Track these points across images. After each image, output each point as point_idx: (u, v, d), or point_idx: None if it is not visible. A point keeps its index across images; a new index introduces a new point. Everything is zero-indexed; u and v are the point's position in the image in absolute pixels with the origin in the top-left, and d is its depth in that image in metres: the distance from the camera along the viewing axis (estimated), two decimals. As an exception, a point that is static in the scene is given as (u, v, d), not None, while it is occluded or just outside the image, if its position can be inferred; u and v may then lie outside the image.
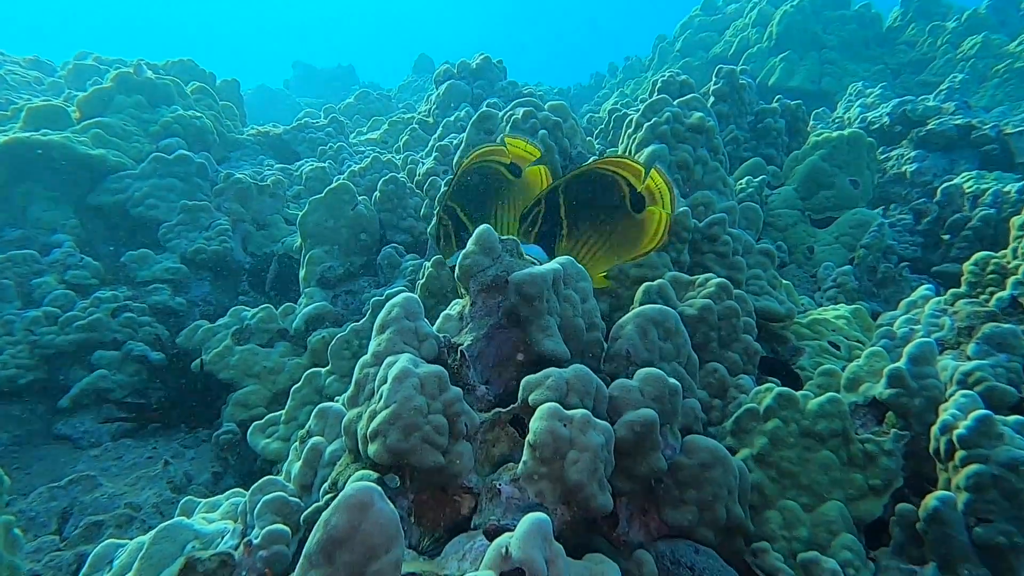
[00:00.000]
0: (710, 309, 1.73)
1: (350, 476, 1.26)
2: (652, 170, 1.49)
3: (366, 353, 2.33)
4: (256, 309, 2.97)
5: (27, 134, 3.50)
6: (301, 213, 3.20)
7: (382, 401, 1.19)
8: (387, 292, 2.92)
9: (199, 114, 4.35)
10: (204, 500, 1.79)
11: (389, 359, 1.27)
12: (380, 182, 3.39)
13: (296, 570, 0.90)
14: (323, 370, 2.36)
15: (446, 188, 1.70)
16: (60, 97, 5.11)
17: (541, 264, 1.40)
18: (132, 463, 2.50)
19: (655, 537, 1.24)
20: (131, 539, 2.07)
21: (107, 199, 3.62)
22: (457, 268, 1.47)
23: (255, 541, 1.30)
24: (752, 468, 1.35)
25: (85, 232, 3.56)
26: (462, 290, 1.49)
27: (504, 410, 1.28)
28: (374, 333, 1.35)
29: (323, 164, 4.58)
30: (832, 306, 2.58)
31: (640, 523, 1.26)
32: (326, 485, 1.30)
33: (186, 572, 1.28)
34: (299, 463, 1.51)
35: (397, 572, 0.90)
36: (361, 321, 2.40)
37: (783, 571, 1.14)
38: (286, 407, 2.34)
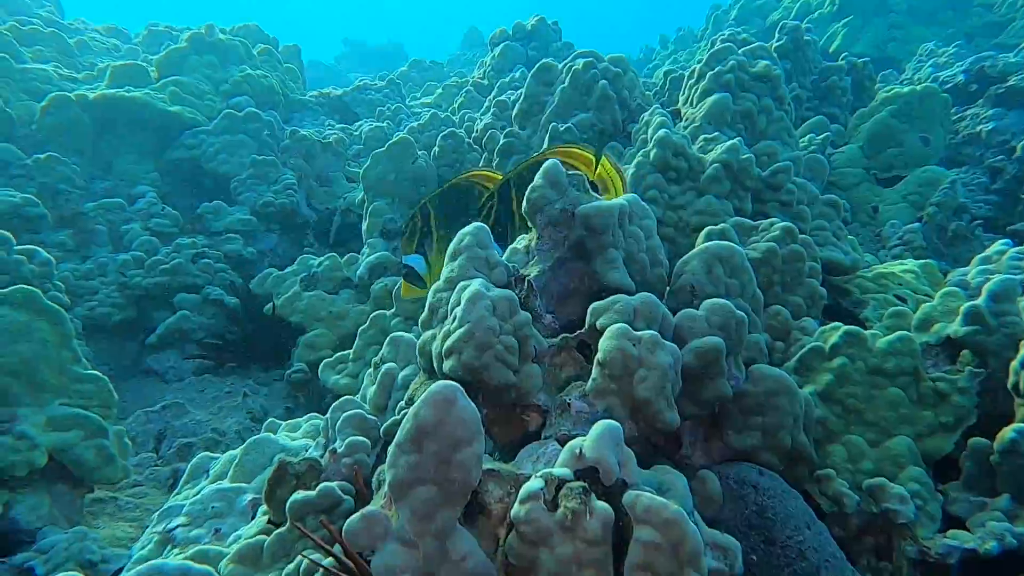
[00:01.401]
0: (774, 252, 1.70)
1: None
2: (603, 157, 1.51)
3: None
4: (322, 258, 3.08)
5: (113, 91, 3.67)
6: (364, 167, 3.27)
7: (456, 321, 1.23)
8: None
9: (266, 74, 4.47)
10: (285, 422, 1.91)
11: (462, 283, 1.31)
12: (439, 137, 3.42)
13: (387, 459, 0.96)
14: (388, 312, 2.44)
15: (434, 191, 1.76)
16: (137, 60, 5.33)
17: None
18: (213, 396, 2.67)
19: (717, 462, 1.26)
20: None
21: (183, 154, 3.78)
22: (525, 202, 1.49)
23: (339, 449, 1.39)
24: (816, 405, 1.35)
25: (164, 185, 3.74)
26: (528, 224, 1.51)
27: (571, 335, 1.31)
28: (447, 260, 1.39)
29: (381, 124, 4.64)
30: (899, 261, 2.48)
31: (702, 448, 1.27)
32: (402, 403, 1.37)
33: (279, 473, 1.38)
34: (374, 387, 1.58)
35: (479, 464, 0.95)
36: (423, 267, 2.45)
37: (848, 496, 1.15)
38: (354, 346, 2.44)
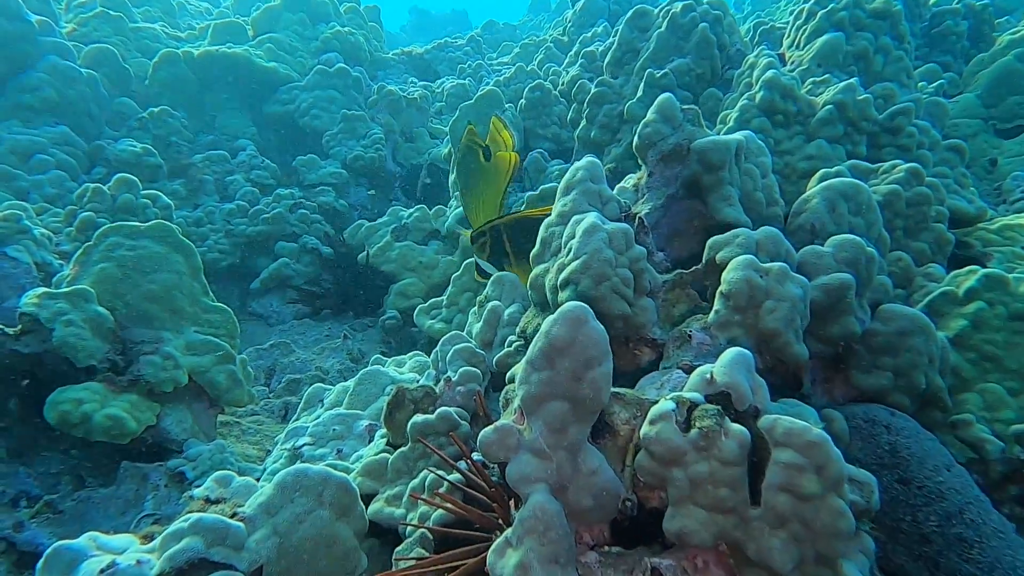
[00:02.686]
0: (898, 194, 1.59)
1: (538, 325, 1.34)
2: (492, 121, 1.75)
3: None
4: (412, 209, 3.15)
5: (215, 47, 3.84)
6: (452, 120, 3.29)
7: (572, 253, 1.24)
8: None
9: (353, 31, 4.53)
10: (390, 359, 2.00)
11: (576, 217, 1.31)
12: (526, 90, 3.38)
13: (519, 376, 0.99)
14: (478, 261, 2.48)
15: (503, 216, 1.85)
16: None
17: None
18: (314, 338, 2.82)
19: (839, 403, 1.22)
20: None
21: (278, 108, 3.92)
22: (636, 138, 1.46)
23: (454, 378, 1.44)
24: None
25: (261, 139, 3.90)
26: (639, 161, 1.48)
27: (686, 271, 1.29)
28: (559, 195, 1.39)
29: (463, 81, 4.63)
30: (1026, 214, 2.28)
31: (823, 388, 1.23)
32: (512, 336, 1.40)
33: (398, 398, 1.45)
34: (480, 324, 1.63)
35: (608, 383, 0.96)
36: (514, 216, 2.46)
37: (990, 442, 1.09)
38: (447, 293, 2.50)
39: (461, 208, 1.78)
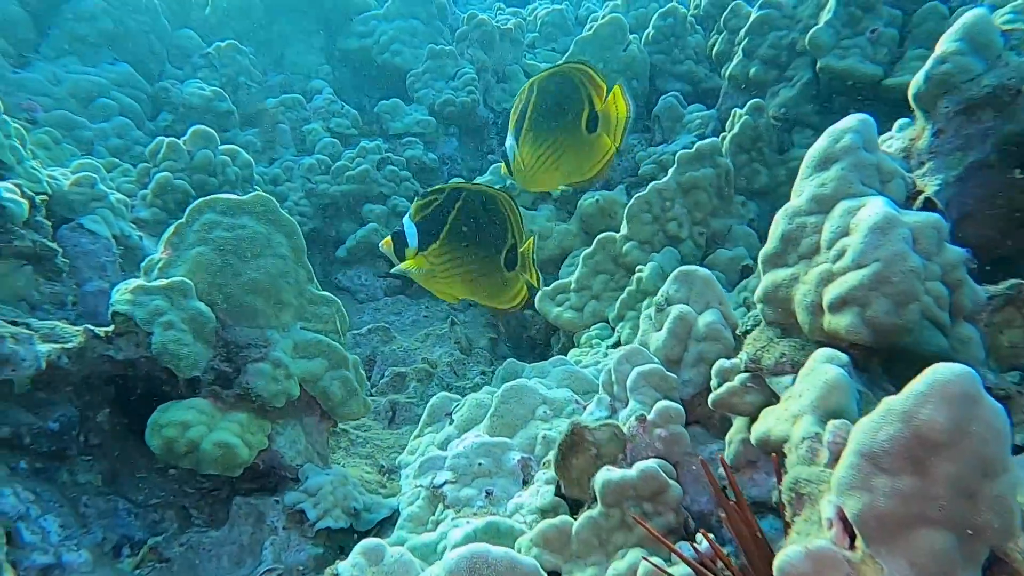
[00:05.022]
0: None
1: (783, 354, 1.08)
2: (617, 88, 1.45)
3: (665, 219, 2.08)
4: (520, 166, 2.87)
5: (281, -28, 3.58)
6: (566, 56, 2.95)
7: (852, 258, 0.95)
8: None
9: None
10: (529, 365, 1.79)
11: (847, 204, 1.01)
12: (655, 16, 3.00)
13: (844, 473, 0.73)
14: (618, 236, 2.21)
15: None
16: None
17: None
18: (412, 320, 2.64)
19: None
20: (432, 394, 2.18)
21: (354, 43, 3.65)
22: (921, 80, 1.13)
23: (650, 416, 1.21)
24: None
25: (335, 80, 3.67)
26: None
27: (1040, 293, 0.99)
28: (810, 170, 1.09)
29: (559, 6, 4.23)
30: None
31: None
32: (738, 361, 1.13)
33: (575, 439, 1.22)
34: (663, 334, 1.37)
35: (1015, 500, 0.70)
36: (664, 179, 2.16)
37: None
38: (576, 275, 2.25)
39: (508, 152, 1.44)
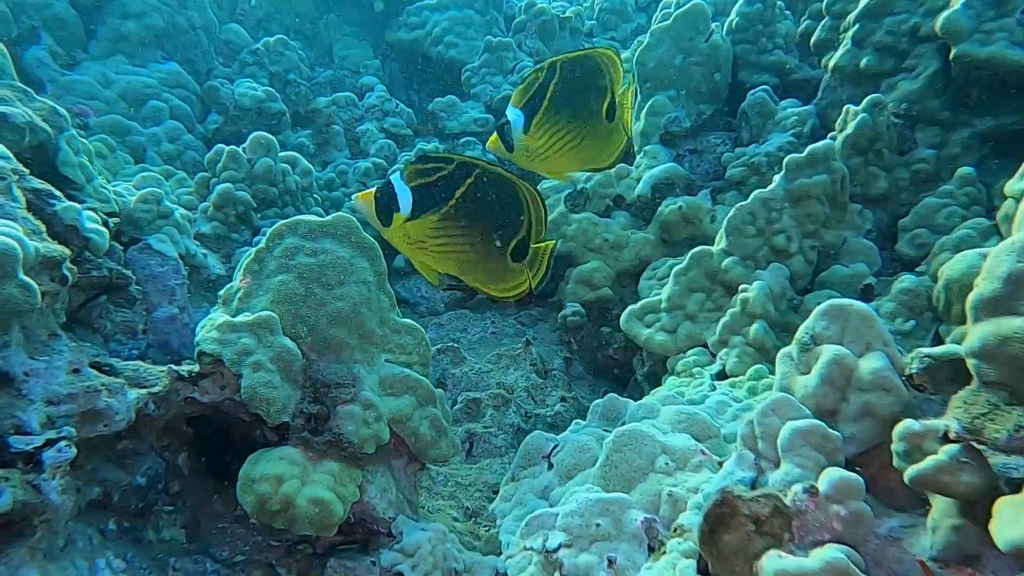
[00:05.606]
0: None
1: (1019, 427, 0.92)
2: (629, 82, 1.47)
3: (771, 232, 1.92)
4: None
5: (329, -39, 3.46)
6: (638, 49, 2.78)
7: None
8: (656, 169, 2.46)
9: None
10: (636, 403, 1.65)
11: None
12: (739, 3, 2.81)
13: None
14: (714, 249, 2.05)
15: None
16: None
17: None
18: (479, 337, 2.52)
19: None
20: (510, 422, 2.06)
21: (404, 35, 3.52)
22: None
23: (823, 488, 1.06)
24: None
25: (385, 75, 3.55)
26: None
27: None
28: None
29: (620, -10, 4.04)
30: None
31: None
32: (937, 425, 0.98)
33: (726, 510, 1.08)
34: (815, 380, 1.22)
35: None
36: (770, 188, 1.99)
37: None
38: (666, 292, 2.10)
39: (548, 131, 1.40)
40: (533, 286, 1.44)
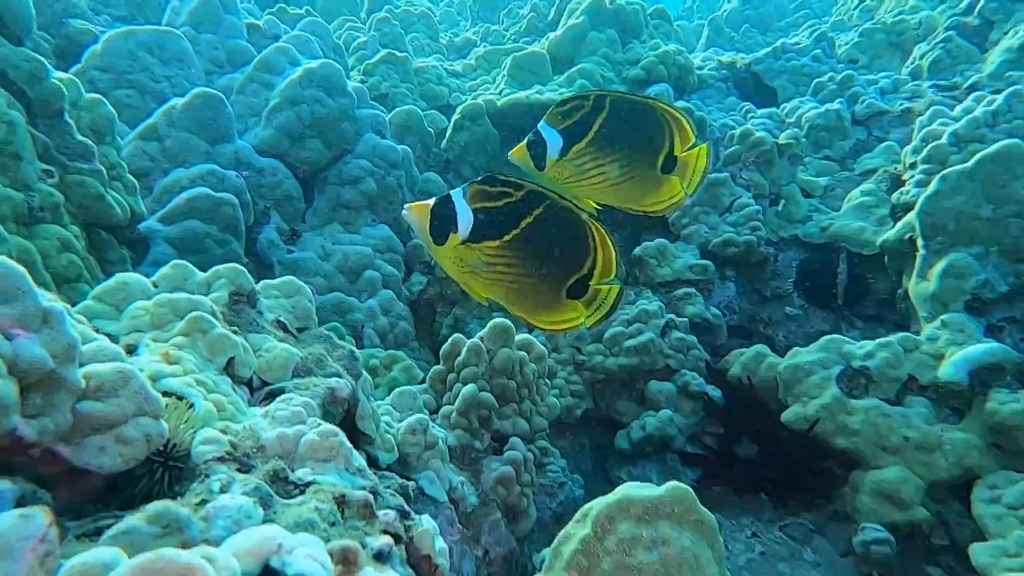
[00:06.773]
0: None
1: None
2: (702, 146, 1.47)
3: None
4: (872, 343, 2.31)
5: (523, 94, 3.38)
6: (926, 194, 2.40)
7: None
8: None
9: (679, 49, 3.87)
10: None
11: None
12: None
13: None
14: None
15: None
16: (479, 28, 5.27)
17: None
18: (746, 560, 2.10)
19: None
20: None
21: (601, 170, 3.35)
22: None
23: None
24: None
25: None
26: None
27: None
28: None
29: (834, 106, 3.73)
30: None
31: None
32: None
33: None
34: None
35: None
36: None
37: None
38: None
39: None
40: (589, 325, 1.41)
